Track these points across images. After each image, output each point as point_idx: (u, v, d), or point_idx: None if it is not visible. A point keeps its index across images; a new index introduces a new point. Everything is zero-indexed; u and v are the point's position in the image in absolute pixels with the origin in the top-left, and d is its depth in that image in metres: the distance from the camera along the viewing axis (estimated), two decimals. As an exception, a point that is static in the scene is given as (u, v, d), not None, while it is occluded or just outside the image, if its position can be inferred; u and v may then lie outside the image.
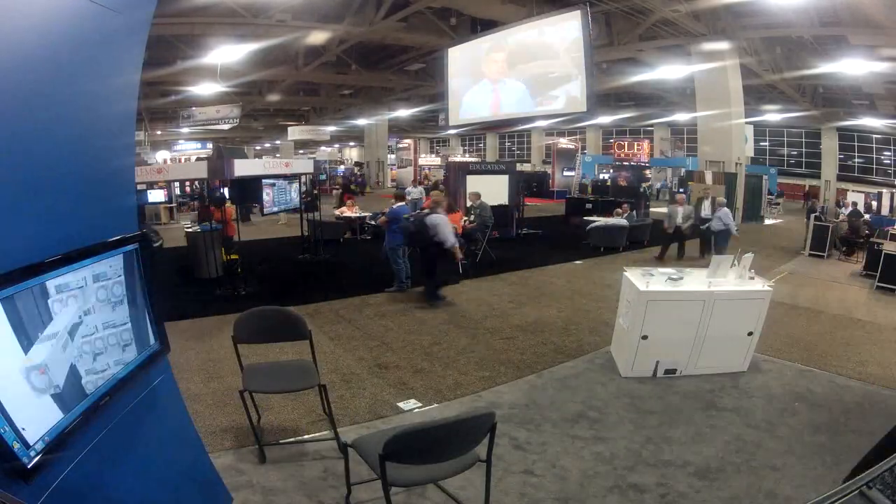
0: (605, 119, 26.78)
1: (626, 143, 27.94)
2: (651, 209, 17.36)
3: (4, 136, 1.47)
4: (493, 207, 11.16)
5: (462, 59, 12.95)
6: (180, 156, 29.06)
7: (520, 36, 11.20)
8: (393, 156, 35.17)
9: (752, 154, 21.41)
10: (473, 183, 11.90)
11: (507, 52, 11.58)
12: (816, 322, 6.37)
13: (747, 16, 12.56)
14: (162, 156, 26.55)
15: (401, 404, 3.97)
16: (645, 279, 4.50)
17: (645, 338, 4.35)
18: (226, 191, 8.92)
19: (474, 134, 37.57)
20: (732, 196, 15.98)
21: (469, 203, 10.33)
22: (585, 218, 12.89)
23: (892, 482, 1.22)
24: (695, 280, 4.62)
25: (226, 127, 21.45)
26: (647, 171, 26.63)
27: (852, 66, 12.72)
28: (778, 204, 21.95)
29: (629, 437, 3.53)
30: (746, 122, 17.94)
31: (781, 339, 5.48)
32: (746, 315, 4.45)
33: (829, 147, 24.74)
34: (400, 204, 7.48)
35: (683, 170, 21.59)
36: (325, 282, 8.03)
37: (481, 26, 12.78)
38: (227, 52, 12.77)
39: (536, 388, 4.32)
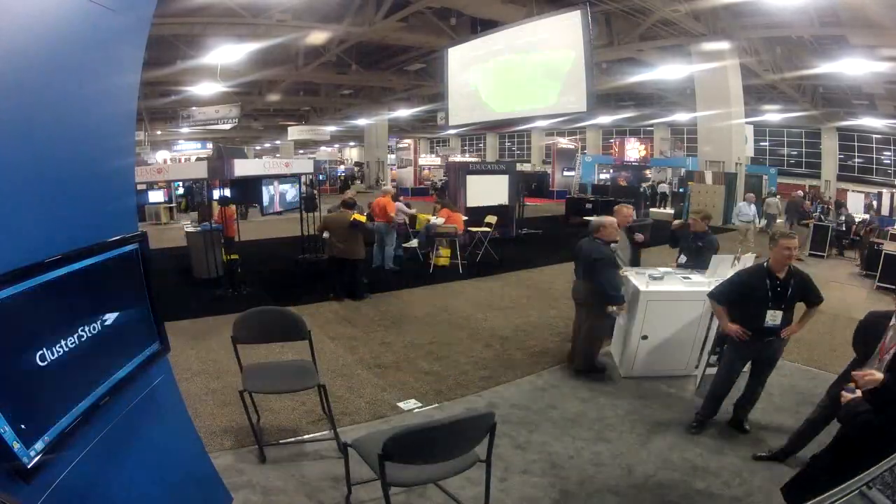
0: (605, 119, 26.76)
1: (619, 142, 27.84)
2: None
3: (4, 136, 1.47)
4: (492, 207, 11.17)
5: (462, 59, 12.95)
6: (180, 156, 29.05)
7: (520, 36, 11.20)
8: (393, 156, 35.16)
9: (752, 154, 21.40)
10: (474, 183, 11.91)
11: (507, 52, 11.58)
12: (816, 322, 6.33)
13: (747, 16, 12.56)
14: (162, 156, 26.54)
15: (401, 404, 3.97)
16: (642, 279, 4.51)
17: (645, 338, 4.35)
18: (226, 192, 8.88)
19: (474, 134, 37.56)
20: (732, 196, 16.00)
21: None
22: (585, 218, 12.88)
23: (892, 482, 1.22)
24: (695, 280, 4.62)
25: (226, 127, 21.45)
26: (648, 172, 26.62)
27: (852, 66, 12.73)
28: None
29: (629, 437, 3.53)
30: (746, 122, 17.93)
31: (781, 339, 5.47)
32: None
33: (829, 147, 24.72)
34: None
35: (683, 170, 21.58)
36: (326, 282, 8.02)
37: (481, 26, 12.78)
38: (227, 52, 12.77)
39: (536, 388, 4.32)
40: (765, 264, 3.37)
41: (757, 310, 3.30)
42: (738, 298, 3.40)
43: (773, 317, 3.30)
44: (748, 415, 3.64)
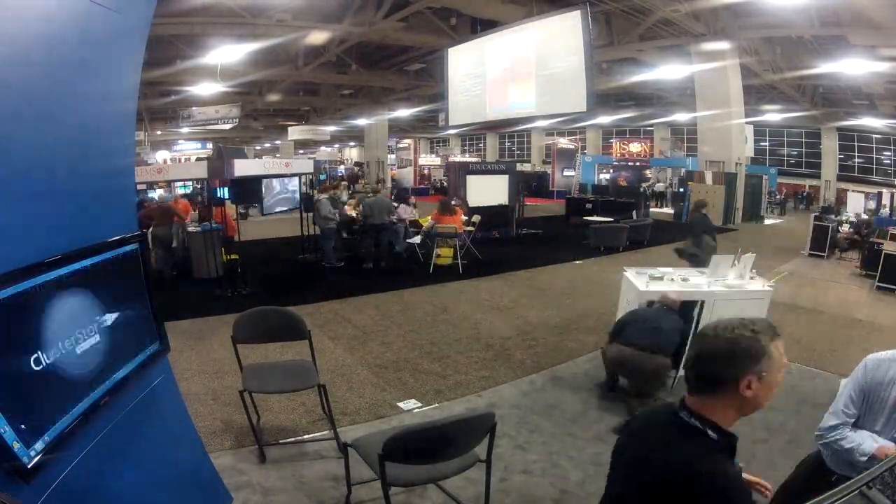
0: (605, 119, 26.75)
1: (624, 142, 27.90)
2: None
3: (4, 136, 1.47)
4: (492, 207, 11.14)
5: (462, 59, 12.96)
6: (180, 156, 29.05)
7: (520, 36, 11.21)
8: (393, 156, 35.14)
9: (752, 154, 21.40)
10: (474, 183, 11.91)
11: (507, 52, 11.58)
12: (816, 322, 6.36)
13: (747, 16, 12.57)
14: (162, 156, 26.53)
15: (401, 404, 3.97)
16: (641, 278, 4.51)
17: (645, 338, 4.34)
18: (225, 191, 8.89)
19: (474, 134, 37.53)
20: (732, 196, 16.01)
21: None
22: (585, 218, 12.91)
23: (892, 482, 1.22)
24: (694, 280, 4.62)
25: (226, 127, 21.43)
26: (648, 172, 26.63)
27: (852, 66, 12.72)
28: (779, 204, 21.90)
29: (629, 437, 3.52)
30: (746, 122, 17.93)
31: (781, 339, 5.47)
32: (746, 315, 4.43)
33: (829, 147, 24.73)
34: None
35: (683, 170, 21.58)
36: (325, 282, 8.03)
37: (481, 26, 12.79)
38: (227, 52, 12.76)
39: (536, 387, 4.32)
40: None
41: None
42: None
43: None
44: None
